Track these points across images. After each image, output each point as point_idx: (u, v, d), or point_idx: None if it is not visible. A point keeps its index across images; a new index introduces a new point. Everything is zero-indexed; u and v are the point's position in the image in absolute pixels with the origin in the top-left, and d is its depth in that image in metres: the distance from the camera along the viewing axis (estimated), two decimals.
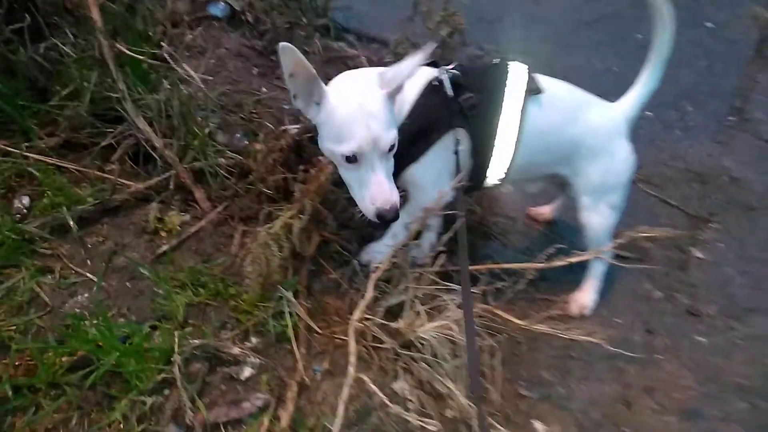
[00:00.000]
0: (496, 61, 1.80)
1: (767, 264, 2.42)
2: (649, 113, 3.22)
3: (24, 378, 1.50)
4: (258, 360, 1.71)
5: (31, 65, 2.16)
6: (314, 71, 1.47)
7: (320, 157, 1.84)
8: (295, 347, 1.73)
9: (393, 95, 1.55)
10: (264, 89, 2.58)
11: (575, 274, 2.08)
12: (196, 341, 1.66)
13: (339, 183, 1.79)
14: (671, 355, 2.03)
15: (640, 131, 3.03)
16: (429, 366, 1.70)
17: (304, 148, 2.09)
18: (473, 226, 2.29)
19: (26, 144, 2.09)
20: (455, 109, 1.66)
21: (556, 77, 1.86)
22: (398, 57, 2.25)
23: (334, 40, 3.31)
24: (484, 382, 1.74)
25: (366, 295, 1.67)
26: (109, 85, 2.10)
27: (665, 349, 2.04)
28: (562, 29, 3.88)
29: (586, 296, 2.07)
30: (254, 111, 2.39)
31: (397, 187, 1.62)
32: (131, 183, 2.08)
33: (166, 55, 2.07)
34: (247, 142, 2.21)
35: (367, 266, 1.94)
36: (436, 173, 1.73)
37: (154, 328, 1.70)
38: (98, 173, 2.09)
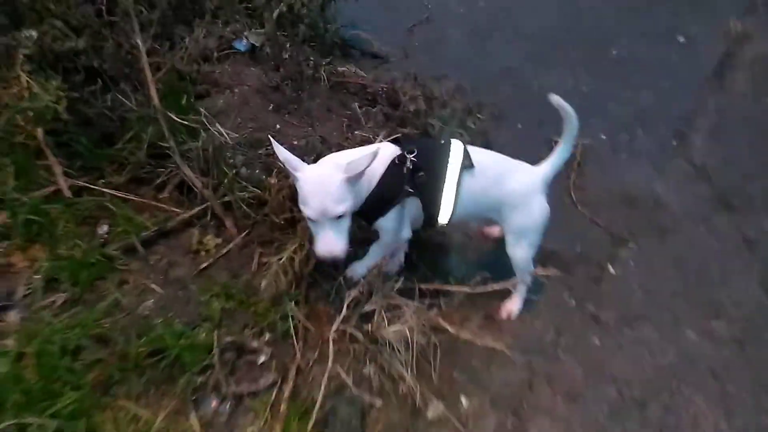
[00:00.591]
0: (442, 141, 2.39)
1: (667, 280, 2.87)
2: (603, 137, 3.61)
3: (119, 363, 2.20)
4: (270, 350, 2.32)
5: (102, 117, 2.77)
6: (297, 162, 2.08)
7: None
8: (295, 342, 2.35)
9: (353, 179, 2.09)
10: (278, 125, 3.02)
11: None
12: (228, 338, 2.28)
13: None
14: (570, 353, 2.55)
15: (590, 154, 3.56)
16: (389, 357, 2.36)
17: None
18: (440, 243, 2.97)
19: (102, 180, 2.72)
20: (411, 183, 2.29)
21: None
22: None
23: (341, 57, 3.88)
24: (427, 368, 2.46)
25: (342, 312, 2.37)
26: (161, 134, 2.68)
27: (567, 348, 2.56)
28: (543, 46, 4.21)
29: (512, 305, 2.69)
30: (268, 146, 2.95)
31: (372, 230, 2.30)
32: (179, 211, 2.69)
33: (204, 119, 2.70)
34: (264, 177, 2.77)
35: (350, 280, 2.60)
36: (396, 222, 2.37)
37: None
38: (154, 203, 2.71)
